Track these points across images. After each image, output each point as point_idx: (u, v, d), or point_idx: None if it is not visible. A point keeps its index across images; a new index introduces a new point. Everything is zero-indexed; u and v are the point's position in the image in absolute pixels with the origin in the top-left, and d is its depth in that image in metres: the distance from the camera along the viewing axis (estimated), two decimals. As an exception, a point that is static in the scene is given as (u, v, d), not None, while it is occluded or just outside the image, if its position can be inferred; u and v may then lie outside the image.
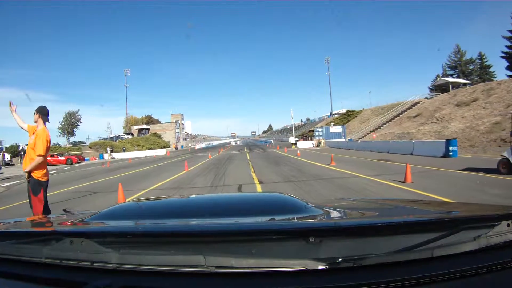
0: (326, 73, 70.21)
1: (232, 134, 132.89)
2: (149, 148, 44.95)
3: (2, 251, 0.96)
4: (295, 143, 39.07)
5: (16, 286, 0.87)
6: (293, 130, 64.26)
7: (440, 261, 0.77)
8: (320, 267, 0.74)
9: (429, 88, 48.88)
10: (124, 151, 40.41)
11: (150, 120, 70.30)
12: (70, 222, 1.35)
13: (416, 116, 31.25)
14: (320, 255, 0.76)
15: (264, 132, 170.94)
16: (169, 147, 55.69)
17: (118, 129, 61.45)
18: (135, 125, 62.72)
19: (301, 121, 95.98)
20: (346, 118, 49.38)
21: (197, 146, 61.45)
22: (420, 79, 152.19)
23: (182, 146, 64.68)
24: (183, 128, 73.21)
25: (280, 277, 0.74)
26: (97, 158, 36.89)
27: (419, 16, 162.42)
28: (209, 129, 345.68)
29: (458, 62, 50.89)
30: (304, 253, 0.76)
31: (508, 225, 0.85)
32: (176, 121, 67.77)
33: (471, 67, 49.56)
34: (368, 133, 35.35)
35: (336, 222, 1.10)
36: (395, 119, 35.09)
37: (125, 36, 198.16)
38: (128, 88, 62.97)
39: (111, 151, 37.64)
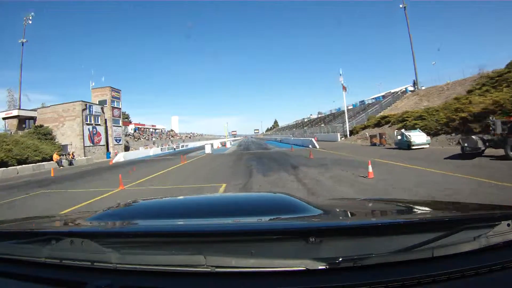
0: (401, 6, 35.74)
1: (233, 133, 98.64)
2: None
3: (2, 251, 0.95)
4: None
5: (17, 286, 0.87)
6: (346, 115, 29.71)
7: (440, 261, 0.76)
8: (320, 267, 0.74)
9: None
10: None
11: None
12: (70, 222, 1.32)
13: None
14: (320, 255, 0.75)
15: (268, 130, 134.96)
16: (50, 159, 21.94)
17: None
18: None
19: (310, 115, 72.97)
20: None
21: (122, 158, 25.52)
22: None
23: (108, 154, 30.59)
24: (119, 116, 36.38)
25: (280, 277, 0.74)
26: None
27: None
28: (211, 129, 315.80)
29: None
30: (304, 253, 0.76)
31: (508, 225, 0.83)
32: (99, 102, 32.65)
33: None
34: None
35: (336, 222, 1.07)
36: None
37: (123, 36, 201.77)
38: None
39: None
